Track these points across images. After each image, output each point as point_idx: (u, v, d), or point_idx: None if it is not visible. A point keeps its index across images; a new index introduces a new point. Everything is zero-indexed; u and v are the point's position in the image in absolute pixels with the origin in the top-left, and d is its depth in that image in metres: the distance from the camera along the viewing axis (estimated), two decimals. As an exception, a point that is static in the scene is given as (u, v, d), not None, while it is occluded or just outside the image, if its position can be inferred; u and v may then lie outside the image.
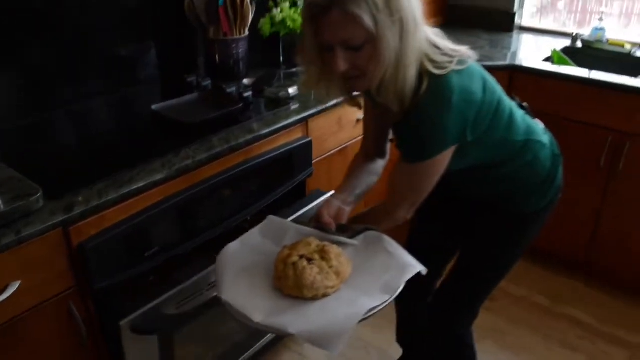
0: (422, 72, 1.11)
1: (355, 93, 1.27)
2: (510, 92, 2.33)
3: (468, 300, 1.48)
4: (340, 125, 1.90)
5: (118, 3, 1.80)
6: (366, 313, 1.04)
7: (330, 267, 1.13)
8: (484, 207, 1.39)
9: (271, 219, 1.34)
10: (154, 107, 1.63)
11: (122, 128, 1.66)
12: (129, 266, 1.32)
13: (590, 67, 2.30)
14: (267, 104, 1.77)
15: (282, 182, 1.69)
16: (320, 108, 1.77)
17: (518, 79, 2.30)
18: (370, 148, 1.44)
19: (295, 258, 1.14)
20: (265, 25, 2.06)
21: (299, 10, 2.05)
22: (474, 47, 2.49)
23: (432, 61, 1.11)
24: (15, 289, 1.11)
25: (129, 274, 1.32)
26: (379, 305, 1.07)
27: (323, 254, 1.16)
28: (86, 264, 1.23)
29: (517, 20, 2.86)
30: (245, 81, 1.91)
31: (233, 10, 1.88)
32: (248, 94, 1.74)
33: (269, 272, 1.19)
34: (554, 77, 2.22)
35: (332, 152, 1.93)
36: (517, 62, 2.32)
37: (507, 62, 2.32)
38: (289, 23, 2.03)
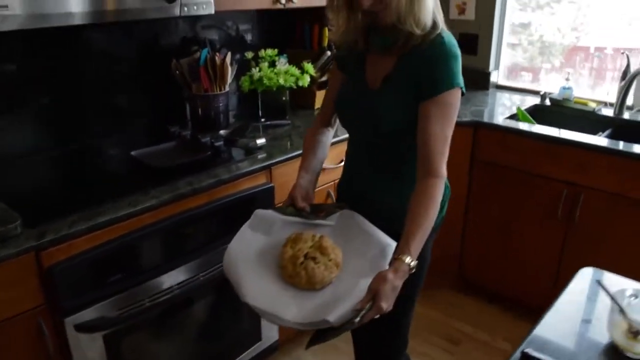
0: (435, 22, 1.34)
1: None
2: (474, 146, 2.50)
3: (390, 326, 1.56)
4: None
5: (115, 61, 2.09)
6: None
7: (330, 260, 1.34)
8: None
9: (257, 212, 1.51)
10: (133, 152, 1.87)
11: (103, 170, 1.90)
12: (94, 289, 1.52)
13: (556, 124, 2.47)
14: (237, 152, 1.99)
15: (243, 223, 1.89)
16: (284, 157, 1.98)
17: (481, 134, 2.49)
18: (329, 118, 1.63)
19: (301, 259, 1.33)
20: (244, 82, 2.31)
21: (274, 70, 2.31)
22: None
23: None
24: (-11, 302, 1.33)
25: (94, 295, 1.52)
26: None
27: (322, 250, 1.35)
28: (54, 284, 1.44)
29: (494, 80, 3.08)
30: (222, 132, 2.14)
31: (213, 70, 2.14)
32: (219, 143, 1.98)
33: (274, 267, 1.38)
34: (513, 133, 2.40)
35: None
36: (482, 119, 2.51)
37: (473, 118, 2.51)
38: (265, 81, 2.28)
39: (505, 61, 3.10)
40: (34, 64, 1.88)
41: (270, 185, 1.95)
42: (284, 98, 2.39)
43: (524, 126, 2.43)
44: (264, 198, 1.93)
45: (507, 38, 3.04)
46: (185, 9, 1.82)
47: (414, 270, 1.25)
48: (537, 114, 2.73)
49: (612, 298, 1.04)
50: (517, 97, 2.92)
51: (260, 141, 2.02)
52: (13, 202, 1.50)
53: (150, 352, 1.76)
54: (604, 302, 1.13)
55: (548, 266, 2.45)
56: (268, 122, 2.35)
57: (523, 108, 2.67)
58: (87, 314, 1.52)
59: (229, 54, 2.21)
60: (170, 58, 2.18)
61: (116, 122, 2.15)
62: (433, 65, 1.32)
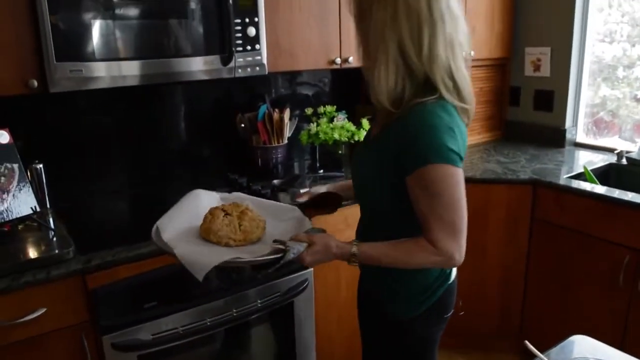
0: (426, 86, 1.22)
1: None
2: (534, 204, 2.42)
3: None
4: (347, 224, 2.19)
5: (190, 115, 2.40)
6: (229, 261, 1.25)
7: (240, 224, 1.37)
8: (373, 306, 1.49)
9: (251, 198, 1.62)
10: (186, 196, 2.11)
11: (157, 210, 2.14)
12: (131, 312, 1.73)
13: (632, 185, 2.34)
14: (283, 200, 2.15)
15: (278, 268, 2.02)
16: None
17: (540, 193, 2.42)
18: None
19: (218, 210, 1.39)
20: (303, 136, 2.49)
21: (331, 125, 2.46)
22: (513, 160, 2.69)
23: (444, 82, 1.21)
24: (40, 313, 1.58)
25: (130, 318, 1.73)
26: (244, 260, 1.27)
27: (241, 214, 1.39)
28: (96, 305, 1.67)
29: (571, 137, 2.96)
30: (275, 181, 2.32)
31: (270, 124, 2.35)
32: (266, 191, 2.16)
33: None
34: (571, 193, 2.30)
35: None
36: (543, 177, 2.43)
37: (532, 176, 2.46)
38: (321, 135, 2.44)
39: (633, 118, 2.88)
40: (119, 117, 2.23)
41: (307, 231, 2.08)
42: (340, 152, 2.53)
43: (580, 186, 2.32)
44: (300, 243, 2.06)
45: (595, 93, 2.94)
46: (240, 70, 2.07)
47: (353, 262, 1.27)
48: (611, 173, 2.59)
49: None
50: (593, 156, 2.79)
51: (304, 190, 2.16)
52: (74, 230, 1.80)
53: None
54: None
55: (611, 336, 2.26)
56: (323, 174, 2.50)
57: (595, 167, 2.55)
58: (124, 335, 1.72)
59: (288, 110, 2.42)
60: (237, 112, 2.44)
61: (186, 169, 2.43)
62: (408, 136, 1.20)
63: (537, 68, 2.98)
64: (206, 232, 1.37)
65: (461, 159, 1.21)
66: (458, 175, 1.20)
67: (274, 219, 1.50)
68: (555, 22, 2.88)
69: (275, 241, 1.31)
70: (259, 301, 1.96)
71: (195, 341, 1.86)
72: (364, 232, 1.48)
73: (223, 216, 1.38)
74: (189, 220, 1.44)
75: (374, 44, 1.21)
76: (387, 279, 1.40)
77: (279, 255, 1.26)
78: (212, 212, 1.40)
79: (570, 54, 2.84)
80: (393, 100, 1.23)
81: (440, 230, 1.20)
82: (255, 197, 1.63)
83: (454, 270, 1.44)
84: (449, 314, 1.45)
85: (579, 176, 2.47)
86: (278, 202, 1.63)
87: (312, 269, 2.09)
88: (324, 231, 1.38)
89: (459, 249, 1.21)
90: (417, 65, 1.20)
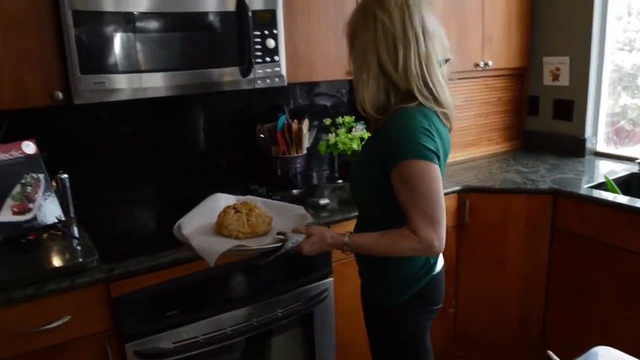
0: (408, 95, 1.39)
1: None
2: (554, 214, 2.41)
3: None
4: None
5: (212, 125, 2.44)
6: (236, 248, 1.48)
7: (248, 220, 1.58)
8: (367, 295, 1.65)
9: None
10: (208, 206, 2.13)
11: (178, 218, 2.17)
12: (153, 320, 1.75)
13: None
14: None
15: (298, 277, 2.03)
16: (343, 217, 2.11)
17: (561, 203, 2.39)
18: None
19: (230, 208, 1.60)
20: (322, 146, 2.51)
21: (350, 135, 2.48)
22: (532, 170, 2.68)
23: (420, 91, 1.38)
24: (65, 320, 1.60)
25: (152, 326, 1.75)
26: (245, 247, 1.49)
27: (249, 211, 1.60)
28: (120, 313, 1.69)
29: (591, 146, 2.94)
30: (294, 191, 2.34)
31: (289, 134, 2.37)
32: (285, 201, 2.17)
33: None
34: (591, 202, 2.28)
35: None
36: (563, 187, 2.42)
37: (552, 186, 2.44)
38: (340, 145, 2.45)
39: None
40: (140, 127, 2.28)
41: (327, 241, 2.08)
42: (358, 161, 2.54)
43: (602, 195, 2.29)
44: (321, 256, 2.05)
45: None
46: (259, 81, 2.09)
47: (346, 251, 1.47)
48: (633, 183, 2.57)
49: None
50: (615, 165, 2.76)
51: (324, 201, 2.18)
52: (98, 239, 1.83)
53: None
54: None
55: (635, 346, 2.22)
56: (342, 183, 2.50)
57: (617, 176, 2.53)
58: (146, 343, 1.74)
59: (307, 120, 2.44)
60: (256, 123, 2.46)
61: (206, 179, 2.46)
62: (390, 139, 1.37)
63: (555, 77, 2.97)
64: (219, 227, 1.59)
65: (439, 157, 1.38)
66: (434, 171, 1.35)
67: (280, 217, 1.68)
68: (573, 31, 2.87)
69: (278, 233, 1.50)
70: (279, 310, 1.97)
71: (216, 350, 1.87)
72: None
73: (233, 213, 1.59)
74: (206, 218, 1.65)
75: (358, 62, 1.42)
76: (376, 271, 1.56)
77: (279, 244, 1.45)
78: (224, 210, 1.61)
79: (589, 63, 2.83)
80: (377, 109, 1.42)
81: (421, 221, 1.35)
82: (265, 199, 1.85)
83: (439, 263, 1.57)
84: (438, 307, 1.59)
85: (600, 186, 2.45)
86: (285, 203, 1.85)
87: (332, 278, 2.10)
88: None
89: (438, 237, 1.35)
90: (396, 78, 1.38)
